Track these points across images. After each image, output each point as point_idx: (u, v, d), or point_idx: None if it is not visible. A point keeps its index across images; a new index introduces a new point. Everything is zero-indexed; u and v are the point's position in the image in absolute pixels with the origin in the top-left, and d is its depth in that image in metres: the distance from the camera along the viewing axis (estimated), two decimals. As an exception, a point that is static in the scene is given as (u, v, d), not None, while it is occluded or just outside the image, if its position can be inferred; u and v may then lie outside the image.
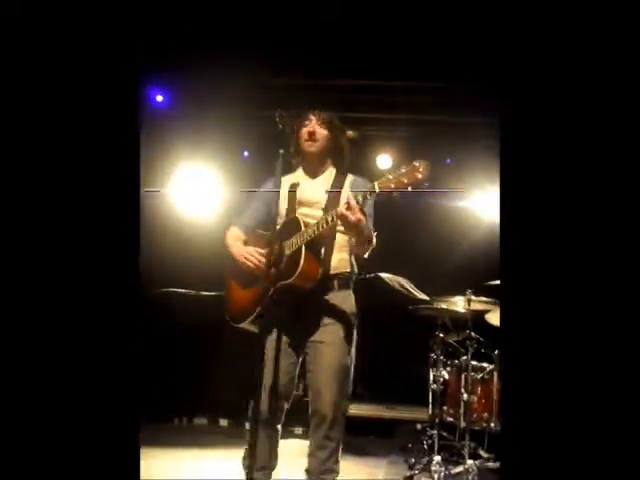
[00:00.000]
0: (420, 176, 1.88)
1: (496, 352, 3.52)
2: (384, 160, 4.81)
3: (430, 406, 3.55)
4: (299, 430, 4.20)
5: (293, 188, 2.30)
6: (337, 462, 2.16)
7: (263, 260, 2.14)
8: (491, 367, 3.50)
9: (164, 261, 4.67)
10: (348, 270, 2.25)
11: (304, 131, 2.32)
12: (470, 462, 3.17)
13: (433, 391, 3.51)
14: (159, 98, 4.86)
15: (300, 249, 2.11)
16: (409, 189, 1.88)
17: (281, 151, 2.03)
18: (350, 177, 2.36)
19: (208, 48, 3.88)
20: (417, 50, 3.88)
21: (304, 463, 2.20)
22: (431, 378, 3.55)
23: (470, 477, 3.13)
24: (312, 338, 2.17)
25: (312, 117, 2.33)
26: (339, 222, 2.02)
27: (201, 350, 4.57)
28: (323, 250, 2.17)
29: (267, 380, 2.07)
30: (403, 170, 1.89)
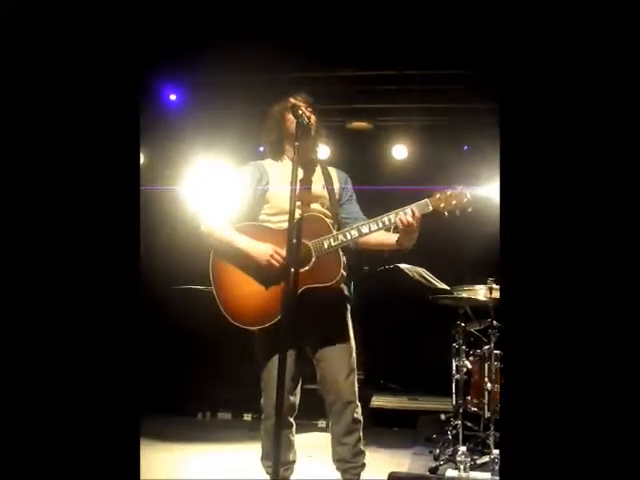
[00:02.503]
0: (466, 201, 2.05)
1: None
2: (400, 151, 4.78)
3: (454, 396, 3.52)
4: (322, 423, 4.20)
5: (302, 183, 2.22)
6: (363, 444, 2.23)
7: (282, 259, 2.08)
8: (515, 356, 3.46)
9: (180, 259, 4.70)
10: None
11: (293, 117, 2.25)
12: (496, 452, 3.14)
13: (456, 381, 3.48)
14: (172, 97, 4.87)
15: (337, 253, 2.10)
16: (457, 213, 2.05)
17: (296, 144, 2.02)
18: (333, 171, 2.39)
19: (221, 45, 3.88)
20: (430, 38, 3.83)
21: (328, 456, 2.23)
22: (454, 368, 3.53)
23: (496, 467, 3.10)
24: (318, 331, 2.18)
25: (297, 102, 2.26)
26: (381, 225, 2.07)
27: (223, 345, 4.59)
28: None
29: (275, 377, 2.03)
30: (449, 193, 2.05)
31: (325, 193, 2.29)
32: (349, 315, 2.29)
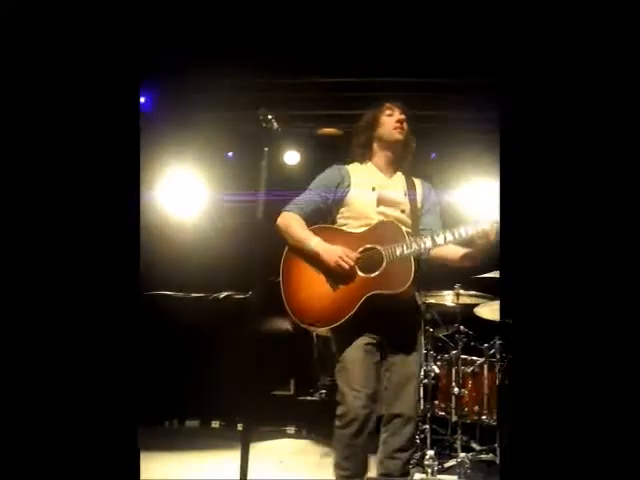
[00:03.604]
0: (493, 237, 2.00)
1: (485, 345, 3.54)
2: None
3: (422, 401, 3.56)
4: (291, 430, 4.20)
5: (382, 190, 2.23)
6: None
7: (352, 263, 2.08)
8: (481, 360, 3.52)
9: (150, 264, 4.63)
10: None
11: (392, 119, 2.28)
12: (463, 455, 3.18)
13: (425, 386, 3.52)
14: (141, 100, 4.82)
15: (409, 261, 2.08)
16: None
17: (266, 149, 2.01)
18: (418, 181, 2.36)
19: (190, 49, 3.85)
20: (401, 46, 3.88)
21: (300, 461, 2.21)
22: (422, 373, 3.56)
23: (463, 470, 3.14)
24: (389, 337, 2.14)
25: (394, 108, 2.29)
26: (456, 238, 2.07)
27: (191, 352, 4.54)
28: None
29: (358, 385, 2.06)
30: (487, 227, 2.01)
31: (406, 201, 2.27)
32: (422, 325, 2.28)
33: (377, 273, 2.08)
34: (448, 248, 2.16)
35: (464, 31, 3.49)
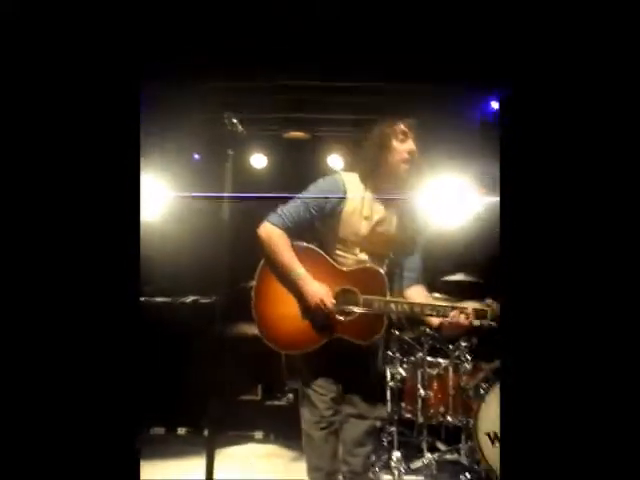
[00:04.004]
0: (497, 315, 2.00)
1: (450, 347, 3.58)
2: (335, 160, 4.83)
3: (388, 403, 3.58)
4: (259, 434, 4.18)
5: (375, 224, 2.15)
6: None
7: (331, 309, 2.04)
8: (446, 362, 3.56)
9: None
10: None
11: (403, 148, 2.12)
12: (429, 456, 3.22)
13: (391, 388, 3.54)
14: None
15: (382, 318, 2.06)
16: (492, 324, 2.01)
17: (230, 152, 2.00)
18: (417, 214, 2.24)
19: (156, 54, 3.80)
20: (366, 50, 3.90)
21: (268, 465, 2.21)
22: (388, 375, 3.58)
23: (429, 471, 3.17)
24: (347, 377, 2.15)
25: (408, 132, 2.12)
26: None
27: (156, 357, 4.48)
28: None
29: (324, 388, 2.11)
30: (495, 305, 2.01)
31: (400, 238, 2.20)
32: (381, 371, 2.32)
33: (349, 318, 2.07)
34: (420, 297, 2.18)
35: (444, 32, 3.52)
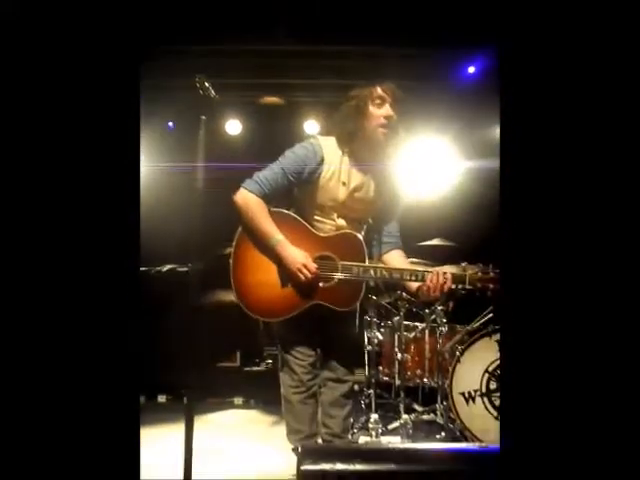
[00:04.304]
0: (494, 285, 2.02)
1: (427, 310, 3.64)
2: (311, 126, 4.79)
3: (366, 367, 3.64)
4: (239, 400, 4.22)
5: (353, 190, 2.14)
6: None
7: (311, 276, 2.04)
8: (423, 325, 3.62)
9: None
10: None
11: (379, 113, 2.09)
12: (405, 417, 3.29)
13: (368, 352, 3.60)
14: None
15: (360, 285, 2.08)
16: (489, 293, 2.03)
17: (203, 117, 1.96)
18: (395, 181, 2.25)
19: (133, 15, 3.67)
20: (345, 13, 3.83)
21: (249, 430, 2.26)
22: (366, 340, 3.64)
23: (405, 430, 3.25)
24: (325, 338, 2.22)
25: (384, 94, 2.09)
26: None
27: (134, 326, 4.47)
28: None
29: (302, 352, 2.17)
30: (491, 275, 2.02)
31: (378, 204, 2.20)
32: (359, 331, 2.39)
33: (327, 285, 2.07)
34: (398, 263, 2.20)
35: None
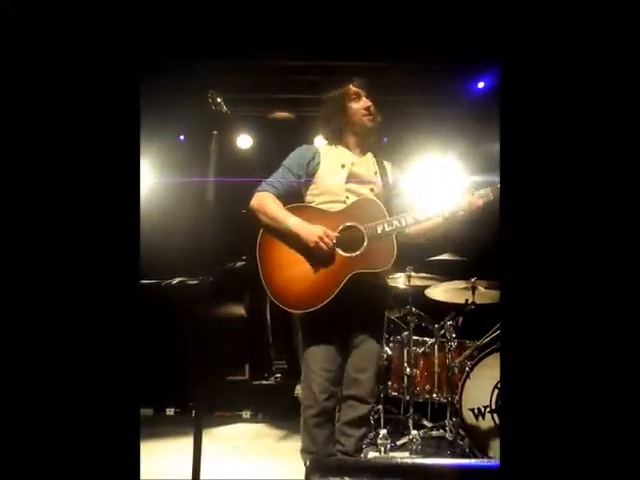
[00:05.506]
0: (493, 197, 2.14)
1: (436, 326, 3.63)
2: (321, 141, 4.81)
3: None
4: (247, 414, 4.21)
5: (352, 168, 2.21)
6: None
7: (333, 242, 2.04)
8: (432, 341, 3.60)
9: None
10: None
11: (359, 106, 2.24)
12: (414, 432, 3.27)
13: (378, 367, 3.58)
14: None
15: (390, 239, 2.05)
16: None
17: (215, 132, 1.99)
18: (388, 163, 2.35)
19: (141, 30, 3.73)
20: (353, 29, 3.87)
21: (256, 445, 2.23)
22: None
23: (414, 446, 3.23)
24: (359, 319, 2.14)
25: (358, 89, 2.25)
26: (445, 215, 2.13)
27: (144, 339, 4.49)
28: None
29: (320, 367, 2.09)
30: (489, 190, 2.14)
31: (376, 180, 2.25)
32: (386, 312, 2.34)
33: (359, 252, 2.05)
34: (427, 223, 2.17)
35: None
